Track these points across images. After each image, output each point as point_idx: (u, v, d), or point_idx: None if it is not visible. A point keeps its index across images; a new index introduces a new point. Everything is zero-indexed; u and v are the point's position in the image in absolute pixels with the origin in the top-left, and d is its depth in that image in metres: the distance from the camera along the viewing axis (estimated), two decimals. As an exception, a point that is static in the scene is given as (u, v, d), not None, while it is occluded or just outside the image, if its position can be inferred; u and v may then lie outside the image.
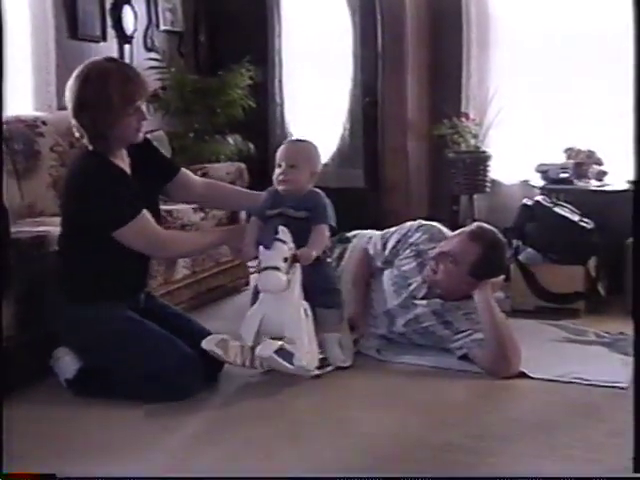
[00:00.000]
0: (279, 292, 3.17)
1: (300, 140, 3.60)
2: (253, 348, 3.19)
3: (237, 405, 3.11)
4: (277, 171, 3.41)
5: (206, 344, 3.15)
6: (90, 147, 3.20)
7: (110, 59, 3.39)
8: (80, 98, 3.15)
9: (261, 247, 3.20)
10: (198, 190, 3.59)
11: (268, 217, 3.39)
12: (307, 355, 3.19)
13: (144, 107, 3.26)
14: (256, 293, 3.34)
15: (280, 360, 3.13)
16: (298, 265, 3.22)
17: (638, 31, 2.34)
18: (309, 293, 3.32)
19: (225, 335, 3.21)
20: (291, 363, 3.14)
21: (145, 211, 3.20)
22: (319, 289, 3.41)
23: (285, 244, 3.17)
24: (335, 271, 3.95)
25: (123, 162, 3.29)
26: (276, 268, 3.12)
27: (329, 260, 3.61)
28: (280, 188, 3.40)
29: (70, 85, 3.19)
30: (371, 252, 3.96)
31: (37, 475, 2.34)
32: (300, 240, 3.25)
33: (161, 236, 3.27)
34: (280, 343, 3.15)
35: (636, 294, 2.58)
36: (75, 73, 3.20)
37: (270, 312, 3.22)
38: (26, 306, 3.28)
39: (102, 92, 3.12)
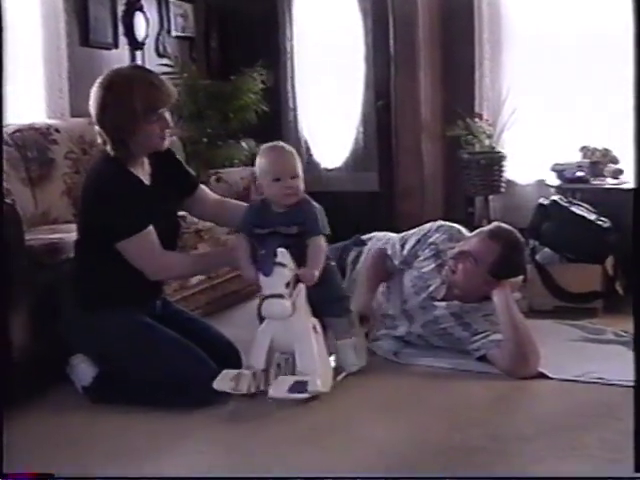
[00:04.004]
0: (285, 318, 3.10)
1: (281, 146, 3.32)
2: (265, 370, 3.16)
3: (253, 410, 3.09)
4: (277, 185, 3.18)
5: (217, 385, 3.08)
6: (112, 153, 3.19)
7: (135, 66, 3.40)
8: (103, 103, 3.15)
9: (261, 275, 3.08)
10: (212, 208, 3.54)
11: (258, 235, 3.23)
12: (321, 376, 3.13)
13: (168, 115, 3.23)
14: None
15: (294, 395, 3.05)
16: (301, 283, 3.15)
17: (638, 34, 2.32)
18: (317, 304, 3.26)
19: (235, 371, 3.15)
20: (306, 391, 3.06)
21: (151, 228, 3.17)
22: (327, 299, 3.33)
23: (285, 267, 3.05)
24: (352, 274, 3.94)
25: (143, 171, 3.28)
26: (279, 296, 3.04)
27: (332, 263, 3.46)
28: (287, 202, 3.20)
29: (94, 91, 3.19)
30: (389, 252, 3.94)
31: (35, 474, 2.33)
32: (297, 255, 3.13)
33: (159, 259, 3.22)
34: (294, 378, 3.09)
35: (636, 294, 2.57)
36: (99, 79, 3.20)
37: (278, 333, 3.15)
38: (40, 313, 3.27)
39: (125, 98, 3.12)
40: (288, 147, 3.33)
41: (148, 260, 3.19)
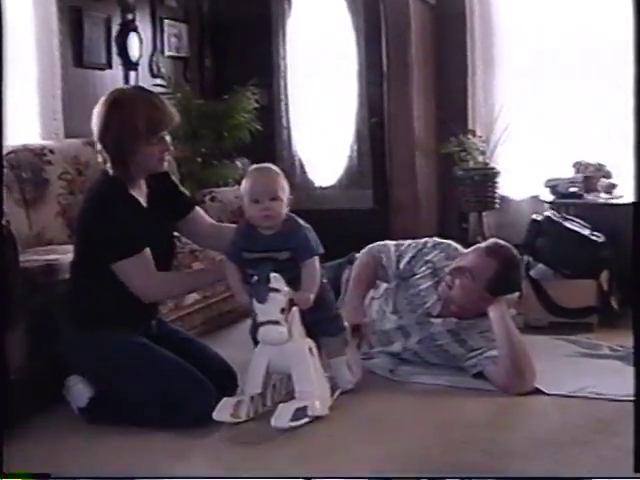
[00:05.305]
0: (281, 344, 3.07)
1: (266, 168, 3.24)
2: (262, 393, 3.16)
3: (250, 432, 3.07)
4: (256, 207, 3.12)
5: (217, 416, 3.05)
6: (111, 172, 3.19)
7: (138, 87, 3.39)
8: (106, 121, 3.15)
9: (254, 301, 3.02)
10: (207, 232, 3.52)
11: (248, 260, 3.16)
12: (319, 398, 3.12)
13: (168, 138, 3.24)
14: (255, 327, 3.16)
15: (297, 423, 3.02)
16: (295, 307, 3.11)
17: (638, 40, 2.33)
18: (311, 323, 3.24)
19: (234, 399, 3.13)
20: (306, 416, 3.04)
21: (147, 250, 3.17)
22: (321, 319, 3.32)
23: (279, 292, 3.00)
24: (341, 295, 3.92)
25: (140, 192, 3.28)
26: (275, 322, 2.99)
27: (325, 281, 3.40)
28: (265, 224, 3.13)
29: (97, 110, 3.20)
30: (384, 262, 3.91)
31: (32, 474, 2.33)
32: (291, 278, 3.08)
33: (153, 281, 3.21)
34: (294, 406, 3.05)
35: (636, 307, 2.58)
36: (103, 98, 3.22)
37: (275, 356, 3.13)
38: (36, 335, 3.26)
39: (128, 117, 3.13)
40: (274, 169, 3.24)
41: (142, 281, 3.17)
